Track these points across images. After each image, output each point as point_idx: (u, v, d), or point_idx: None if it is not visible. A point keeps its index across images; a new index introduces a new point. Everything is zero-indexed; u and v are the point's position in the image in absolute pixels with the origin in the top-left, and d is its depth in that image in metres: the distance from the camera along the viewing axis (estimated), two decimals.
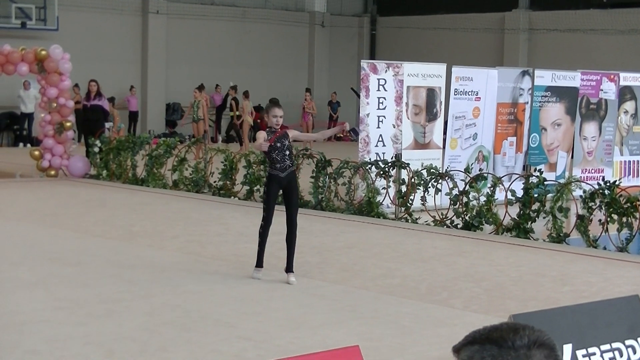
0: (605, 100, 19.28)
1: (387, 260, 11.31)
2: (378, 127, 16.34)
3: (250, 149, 18.41)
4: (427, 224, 14.38)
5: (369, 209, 15.14)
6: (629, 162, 20.15)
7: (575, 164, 18.85)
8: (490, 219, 13.79)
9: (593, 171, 19.02)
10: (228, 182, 17.39)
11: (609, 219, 12.56)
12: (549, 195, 13.36)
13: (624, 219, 12.41)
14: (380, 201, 15.27)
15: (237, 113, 28.28)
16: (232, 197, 17.15)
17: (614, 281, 10.31)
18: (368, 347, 6.93)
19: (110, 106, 25.18)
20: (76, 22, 30.60)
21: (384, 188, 15.33)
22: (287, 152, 9.93)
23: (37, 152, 20.45)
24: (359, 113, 16.71)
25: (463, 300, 9.27)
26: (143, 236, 12.83)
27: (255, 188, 16.71)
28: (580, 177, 16.02)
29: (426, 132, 16.89)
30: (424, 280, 10.16)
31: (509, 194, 13.85)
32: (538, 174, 14.00)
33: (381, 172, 15.32)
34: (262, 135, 9.93)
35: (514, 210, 13.68)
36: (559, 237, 12.93)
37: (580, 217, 12.80)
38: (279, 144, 9.86)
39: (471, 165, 15.71)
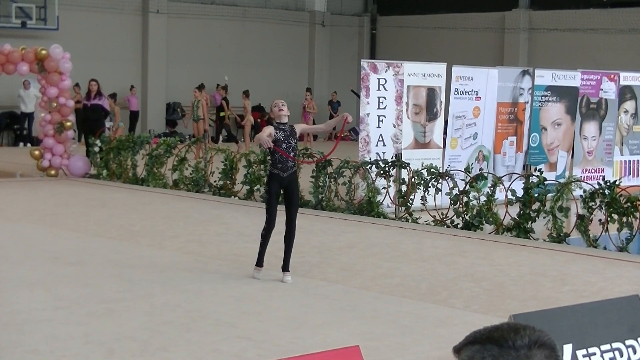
0: (606, 99, 19.28)
1: (387, 260, 11.31)
2: (378, 127, 16.35)
3: (250, 148, 18.40)
4: (427, 224, 14.38)
5: (369, 208, 15.14)
6: (629, 161, 20.15)
7: (575, 163, 18.85)
8: (491, 219, 13.79)
9: (593, 171, 19.02)
10: (228, 182, 17.39)
11: (609, 219, 12.56)
12: (549, 195, 13.36)
13: (624, 219, 12.42)
14: (381, 201, 15.27)
15: (228, 113, 28.48)
16: (233, 197, 17.15)
17: (614, 281, 10.31)
18: (368, 347, 6.93)
19: (112, 102, 25.18)
20: (76, 22, 30.60)
21: (384, 188, 15.33)
22: (292, 154, 9.88)
23: (37, 152, 20.45)
24: (359, 112, 16.71)
25: (463, 300, 9.27)
26: (143, 236, 12.84)
27: (255, 188, 16.72)
28: (581, 176, 16.01)
29: (426, 132, 16.89)
30: (424, 280, 10.16)
31: (509, 193, 13.85)
32: (538, 173, 14.00)
33: (381, 172, 15.32)
34: (268, 130, 9.88)
35: (514, 210, 13.68)
36: (559, 237, 12.93)
37: (580, 217, 12.80)
38: (285, 145, 9.80)
39: (471, 164, 15.71)
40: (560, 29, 32.28)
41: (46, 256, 11.11)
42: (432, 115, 16.97)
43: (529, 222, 13.37)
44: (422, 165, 15.16)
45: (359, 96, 17.75)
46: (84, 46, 29.88)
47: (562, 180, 14.30)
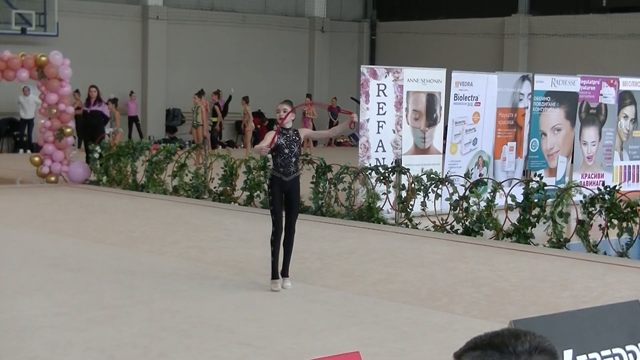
0: (605, 105, 19.28)
1: (387, 265, 11.30)
2: (378, 133, 16.35)
3: (250, 154, 18.40)
4: (427, 230, 14.37)
5: (369, 214, 15.14)
6: (629, 166, 20.15)
7: (575, 168, 18.85)
8: (491, 224, 13.78)
9: (593, 176, 19.01)
10: (228, 188, 17.39)
11: (609, 224, 12.56)
12: (549, 201, 13.36)
13: (624, 224, 12.41)
14: (381, 206, 15.27)
15: (219, 120, 28.73)
16: (232, 203, 17.15)
17: (614, 286, 10.31)
18: (368, 353, 6.93)
19: (113, 107, 25.23)
20: (76, 28, 30.61)
21: (384, 193, 15.33)
22: (294, 159, 9.79)
23: (37, 158, 20.45)
24: (359, 118, 16.70)
25: (463, 305, 9.27)
26: (143, 242, 12.83)
27: (255, 194, 16.72)
28: (580, 182, 16.01)
29: (426, 137, 16.89)
30: (424, 286, 10.16)
31: (509, 199, 13.85)
32: (538, 179, 14.00)
33: (381, 178, 15.32)
34: (269, 137, 9.81)
35: (514, 216, 13.68)
36: (559, 242, 12.93)
37: (580, 222, 12.80)
38: (287, 150, 9.70)
39: (471, 170, 15.71)
40: (559, 34, 32.31)
41: (46, 262, 11.11)
42: (431, 121, 16.97)
43: (529, 228, 13.36)
44: (422, 170, 15.16)
45: (358, 102, 17.75)
46: (84, 52, 29.90)
47: (562, 186, 14.30)
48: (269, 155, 10.16)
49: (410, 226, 14.62)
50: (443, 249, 12.62)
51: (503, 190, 14.37)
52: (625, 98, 19.85)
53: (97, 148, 20.04)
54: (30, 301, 9.13)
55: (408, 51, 35.81)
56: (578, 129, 18.76)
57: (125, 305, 8.97)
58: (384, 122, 16.40)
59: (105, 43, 31.65)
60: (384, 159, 16.12)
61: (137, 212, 15.93)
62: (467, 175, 14.70)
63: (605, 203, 12.60)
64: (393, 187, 15.39)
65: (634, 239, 12.33)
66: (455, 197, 14.37)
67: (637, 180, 20.06)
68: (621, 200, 12.56)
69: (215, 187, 17.68)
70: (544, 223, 13.12)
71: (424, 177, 14.93)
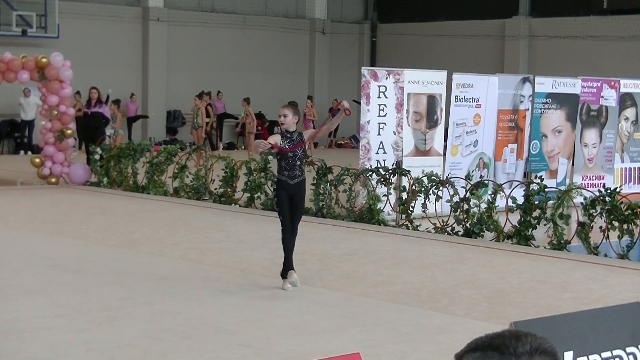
0: (606, 107, 19.29)
1: (387, 267, 11.30)
2: (379, 134, 16.35)
3: (251, 156, 18.41)
4: (427, 231, 14.37)
5: (369, 216, 15.14)
6: (630, 169, 20.15)
7: (576, 170, 18.85)
8: (491, 226, 13.78)
9: (594, 178, 19.02)
10: (229, 189, 17.39)
11: (609, 226, 12.55)
12: (550, 202, 13.36)
13: (625, 226, 12.41)
14: (381, 208, 15.27)
15: (212, 120, 28.76)
16: (233, 205, 17.14)
17: (615, 288, 10.30)
18: (369, 354, 6.93)
19: (115, 108, 25.26)
20: (77, 30, 30.63)
21: (384, 195, 15.33)
22: (298, 163, 9.83)
23: (37, 160, 20.45)
24: (360, 120, 16.71)
25: (464, 307, 9.26)
26: (144, 243, 12.83)
27: (256, 195, 16.71)
28: (581, 184, 16.01)
29: (427, 139, 16.89)
30: (424, 287, 10.16)
31: (509, 201, 13.85)
32: (539, 181, 14.00)
33: (382, 179, 15.32)
34: (273, 138, 9.82)
35: (515, 218, 13.67)
36: (559, 244, 12.92)
37: (581, 224, 12.80)
38: (290, 154, 9.74)
39: (472, 172, 15.71)
40: (560, 36, 32.31)
41: (46, 264, 11.11)
42: (432, 123, 16.97)
43: (530, 230, 13.36)
44: (423, 172, 15.16)
45: (359, 104, 17.77)
46: (85, 54, 29.90)
47: (562, 188, 14.30)
48: (272, 157, 10.14)
49: (410, 228, 14.62)
50: (444, 251, 12.62)
51: (504, 192, 14.37)
52: (626, 100, 19.85)
53: (98, 149, 20.04)
54: (31, 302, 9.13)
55: (409, 53, 35.81)
56: (579, 131, 18.77)
57: (125, 307, 8.97)
58: (385, 123, 16.40)
59: (106, 45, 31.66)
60: (384, 160, 16.11)
61: (137, 213, 15.93)
62: (467, 177, 14.69)
63: (606, 205, 12.60)
64: (394, 188, 15.39)
65: (634, 241, 12.33)
66: (455, 199, 14.37)
67: (638, 183, 20.06)
68: (622, 203, 12.55)
69: (215, 189, 17.68)
70: (545, 225, 13.12)
71: (425, 179, 14.93)
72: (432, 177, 14.93)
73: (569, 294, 9.94)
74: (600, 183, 18.02)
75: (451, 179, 15.04)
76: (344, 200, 15.71)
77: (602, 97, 19.19)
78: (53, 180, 20.10)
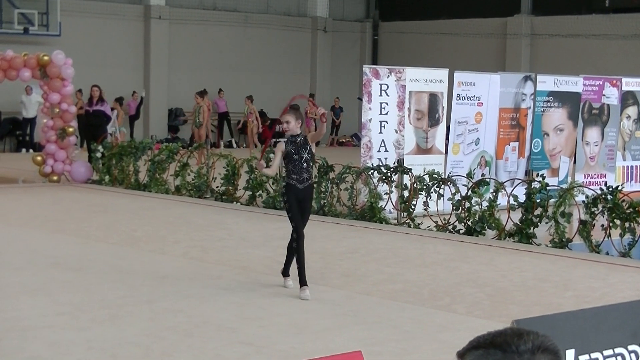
0: (608, 105, 19.27)
1: (389, 265, 11.30)
2: (380, 132, 16.34)
3: (253, 153, 18.40)
4: (429, 229, 14.37)
5: (371, 214, 15.13)
6: (632, 167, 20.13)
7: (577, 169, 18.84)
8: (493, 224, 13.77)
9: (595, 176, 19.00)
10: (230, 188, 17.39)
11: (611, 224, 12.55)
12: (552, 201, 13.36)
13: (627, 224, 12.40)
14: (383, 206, 15.26)
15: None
16: (235, 203, 17.14)
17: (616, 286, 10.30)
18: (370, 353, 6.93)
19: (118, 106, 25.27)
20: (78, 28, 30.64)
21: (386, 193, 15.32)
22: (305, 165, 9.57)
23: (39, 158, 20.46)
24: (362, 118, 16.71)
25: (466, 305, 9.26)
26: (145, 241, 12.83)
27: (257, 193, 16.71)
28: (583, 182, 16.01)
29: (428, 137, 16.89)
30: (426, 286, 10.15)
31: (511, 199, 13.85)
32: (540, 179, 14.00)
33: (383, 178, 15.32)
34: (278, 150, 9.74)
35: (517, 216, 13.67)
36: (561, 243, 12.92)
37: (582, 223, 12.79)
38: (295, 156, 9.53)
39: (473, 170, 15.71)
40: (562, 35, 32.29)
41: (48, 262, 11.11)
42: (434, 121, 16.96)
43: (532, 228, 13.36)
44: (424, 170, 15.16)
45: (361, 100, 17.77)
46: (86, 52, 29.91)
47: (564, 186, 14.29)
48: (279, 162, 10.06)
49: (412, 226, 14.61)
50: (445, 249, 12.62)
51: (505, 191, 14.36)
52: (627, 98, 19.84)
53: (100, 147, 20.05)
54: (32, 301, 9.13)
55: (410, 51, 35.81)
56: (580, 129, 18.75)
57: (127, 305, 8.97)
58: (387, 122, 16.39)
59: (107, 43, 31.67)
60: (386, 158, 16.11)
61: (139, 211, 15.93)
62: (469, 175, 14.69)
63: (608, 203, 12.59)
64: (395, 187, 15.38)
65: (636, 239, 12.32)
66: (457, 197, 14.37)
67: None
68: (624, 201, 12.55)
69: (217, 187, 17.68)
70: (547, 223, 13.12)
71: (426, 177, 14.93)
72: (434, 175, 14.92)
73: (570, 292, 9.94)
74: (602, 181, 18.01)
75: (453, 177, 15.03)
76: (345, 198, 15.70)
77: (604, 95, 19.18)
78: (55, 178, 20.11)
